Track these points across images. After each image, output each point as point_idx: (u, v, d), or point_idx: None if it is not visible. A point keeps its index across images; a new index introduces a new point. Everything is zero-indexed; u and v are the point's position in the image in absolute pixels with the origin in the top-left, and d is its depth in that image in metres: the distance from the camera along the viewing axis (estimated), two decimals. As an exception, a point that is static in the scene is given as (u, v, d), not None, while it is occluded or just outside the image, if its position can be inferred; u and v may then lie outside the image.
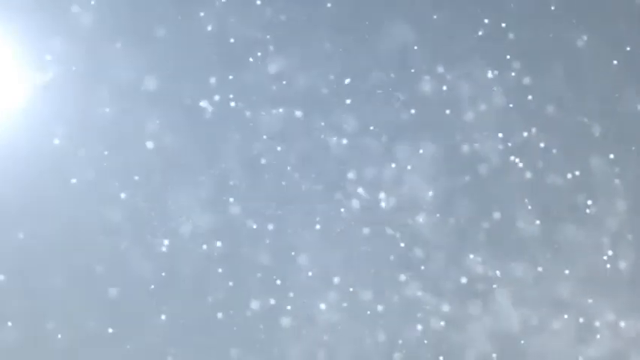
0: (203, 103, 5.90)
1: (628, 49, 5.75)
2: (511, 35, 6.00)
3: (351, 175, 5.87)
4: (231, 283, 5.84)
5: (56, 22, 5.84)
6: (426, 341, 5.55)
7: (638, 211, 5.67)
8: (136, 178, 5.96)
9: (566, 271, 5.54)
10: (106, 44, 5.90)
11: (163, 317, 5.60)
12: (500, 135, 5.82)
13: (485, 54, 5.99)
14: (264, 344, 5.71)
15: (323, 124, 6.01)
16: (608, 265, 5.57)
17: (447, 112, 5.92)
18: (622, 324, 5.51)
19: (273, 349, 5.70)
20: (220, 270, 5.84)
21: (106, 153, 5.92)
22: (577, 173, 5.74)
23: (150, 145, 5.88)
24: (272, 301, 5.73)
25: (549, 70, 5.90)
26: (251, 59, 5.98)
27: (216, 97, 5.89)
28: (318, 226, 5.68)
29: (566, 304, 5.62)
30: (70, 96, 5.90)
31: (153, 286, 5.86)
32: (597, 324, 5.57)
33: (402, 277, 5.67)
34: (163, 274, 5.87)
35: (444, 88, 5.97)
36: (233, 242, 5.77)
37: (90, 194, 5.85)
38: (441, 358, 5.45)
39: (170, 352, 5.70)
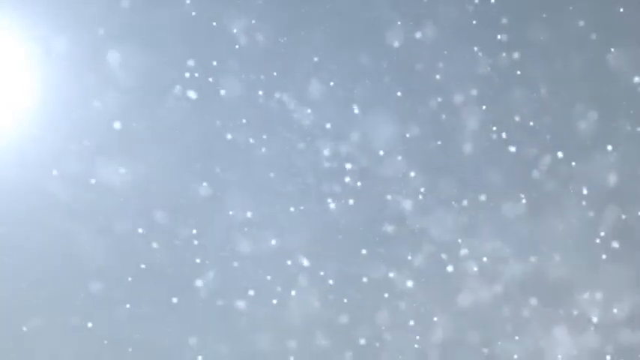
0: (181, 89, 5.80)
1: (621, 10, 5.47)
2: (504, 20, 5.80)
3: (336, 159, 5.71)
4: (211, 274, 5.70)
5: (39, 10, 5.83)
6: (406, 328, 5.34)
7: (632, 189, 5.37)
8: (123, 170, 5.84)
9: (557, 257, 5.27)
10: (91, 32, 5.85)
11: (128, 306, 5.49)
12: (489, 116, 5.61)
13: (476, 34, 5.80)
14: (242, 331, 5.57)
15: (309, 111, 5.87)
16: (603, 253, 5.28)
17: (436, 94, 5.71)
18: (615, 310, 5.21)
19: (251, 335, 5.56)
20: (198, 260, 5.71)
21: (86, 143, 5.84)
22: (568, 153, 5.49)
23: (130, 130, 5.80)
24: (251, 292, 5.59)
25: (541, 51, 5.68)
26: (237, 46, 5.88)
27: (198, 83, 5.77)
28: (293, 209, 5.52)
29: (558, 290, 5.34)
30: (51, 85, 5.85)
31: (130, 279, 5.76)
32: (591, 310, 5.28)
33: (385, 263, 5.47)
34: (143, 266, 5.76)
35: (435, 72, 5.79)
36: (210, 230, 5.65)
37: (69, 186, 5.78)
38: (416, 345, 5.20)
39: (143, 341, 5.58)
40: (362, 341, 5.30)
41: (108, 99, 5.76)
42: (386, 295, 5.27)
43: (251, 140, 5.74)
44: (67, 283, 5.78)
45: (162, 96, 5.81)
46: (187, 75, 5.79)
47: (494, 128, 5.49)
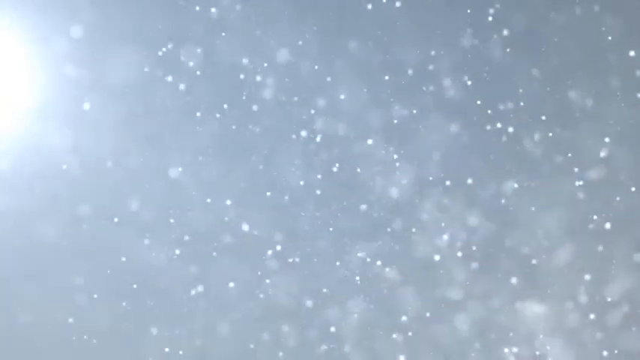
0: (168, 77, 5.69)
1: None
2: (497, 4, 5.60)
3: (320, 144, 5.55)
4: (193, 269, 5.56)
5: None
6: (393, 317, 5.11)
7: (628, 175, 5.07)
8: (109, 163, 5.77)
9: (546, 242, 4.98)
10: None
11: (95, 296, 5.36)
12: (477, 98, 5.39)
13: (466, 15, 5.61)
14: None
15: (296, 98, 5.73)
16: (596, 236, 4.99)
17: (426, 77, 5.52)
18: (608, 299, 4.90)
19: (230, 325, 5.42)
20: (178, 252, 5.57)
21: (70, 135, 5.78)
22: (560, 135, 5.23)
23: (118, 123, 5.72)
24: (231, 285, 5.41)
25: (532, 31, 5.46)
26: (224, 34, 5.76)
27: (185, 69, 5.64)
28: (269, 194, 5.35)
29: (550, 276, 5.07)
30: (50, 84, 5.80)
31: (109, 271, 5.64)
32: (585, 298, 4.99)
33: (370, 251, 5.26)
34: (124, 259, 5.63)
35: (427, 59, 5.61)
36: (188, 219, 5.51)
37: (57, 182, 5.70)
38: (395, 335, 4.95)
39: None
40: (332, 329, 5.10)
41: (98, 93, 5.69)
42: (358, 279, 5.06)
43: (233, 127, 5.62)
44: (55, 278, 5.70)
45: (150, 86, 5.73)
46: (174, 64, 5.69)
47: (480, 102, 5.28)
